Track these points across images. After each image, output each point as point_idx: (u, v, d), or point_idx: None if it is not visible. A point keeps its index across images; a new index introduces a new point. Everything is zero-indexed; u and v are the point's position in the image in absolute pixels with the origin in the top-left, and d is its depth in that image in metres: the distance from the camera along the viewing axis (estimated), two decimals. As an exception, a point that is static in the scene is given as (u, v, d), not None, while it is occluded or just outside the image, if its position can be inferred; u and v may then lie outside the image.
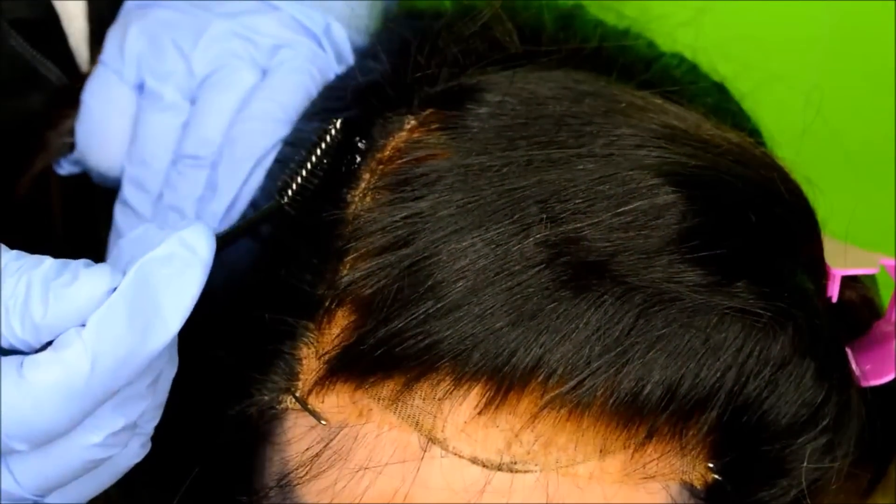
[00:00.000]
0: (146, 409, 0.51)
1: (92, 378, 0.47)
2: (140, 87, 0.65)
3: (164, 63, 0.64)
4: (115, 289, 0.48)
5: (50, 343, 0.48)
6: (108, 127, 0.65)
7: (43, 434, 0.48)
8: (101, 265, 0.49)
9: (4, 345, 0.49)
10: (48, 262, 0.49)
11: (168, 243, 0.49)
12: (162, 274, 0.49)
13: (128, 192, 0.64)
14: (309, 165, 0.58)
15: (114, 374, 0.48)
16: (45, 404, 0.47)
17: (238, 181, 0.62)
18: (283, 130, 0.62)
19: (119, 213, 0.65)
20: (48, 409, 0.47)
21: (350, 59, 0.65)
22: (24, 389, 0.47)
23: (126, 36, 0.65)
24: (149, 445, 0.53)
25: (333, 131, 0.59)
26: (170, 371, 0.52)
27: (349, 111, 0.62)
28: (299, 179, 0.58)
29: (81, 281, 0.48)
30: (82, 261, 0.49)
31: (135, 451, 0.52)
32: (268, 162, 0.62)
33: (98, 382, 0.48)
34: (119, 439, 0.51)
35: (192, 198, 0.62)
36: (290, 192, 0.58)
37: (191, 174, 0.62)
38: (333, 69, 0.64)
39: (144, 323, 0.48)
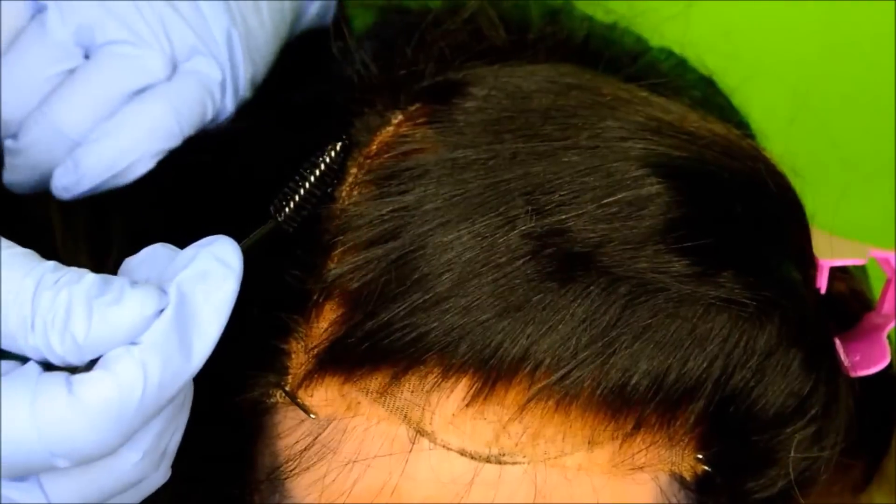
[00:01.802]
0: (176, 429, 0.51)
1: (144, 396, 0.47)
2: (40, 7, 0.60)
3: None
4: (161, 310, 0.48)
5: (91, 362, 0.48)
6: None
7: (89, 453, 0.47)
8: (147, 285, 0.48)
9: (35, 357, 0.48)
10: (89, 277, 0.48)
11: (201, 259, 0.49)
12: (200, 290, 0.49)
13: None
14: (307, 185, 0.58)
15: (162, 393, 0.48)
16: (98, 422, 0.47)
17: (108, 170, 0.59)
18: (173, 142, 0.59)
19: None
20: (100, 428, 0.47)
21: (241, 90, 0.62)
22: (76, 406, 0.46)
23: None
24: (169, 473, 0.52)
25: (333, 153, 0.58)
26: (191, 390, 0.52)
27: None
28: (297, 198, 0.58)
29: (128, 302, 0.48)
30: (125, 279, 0.49)
31: (161, 473, 0.52)
32: (146, 166, 0.59)
33: (149, 401, 0.47)
34: (154, 461, 0.50)
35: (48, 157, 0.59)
36: (286, 212, 0.57)
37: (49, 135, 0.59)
38: (228, 107, 0.61)
39: (188, 339, 0.48)
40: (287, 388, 0.56)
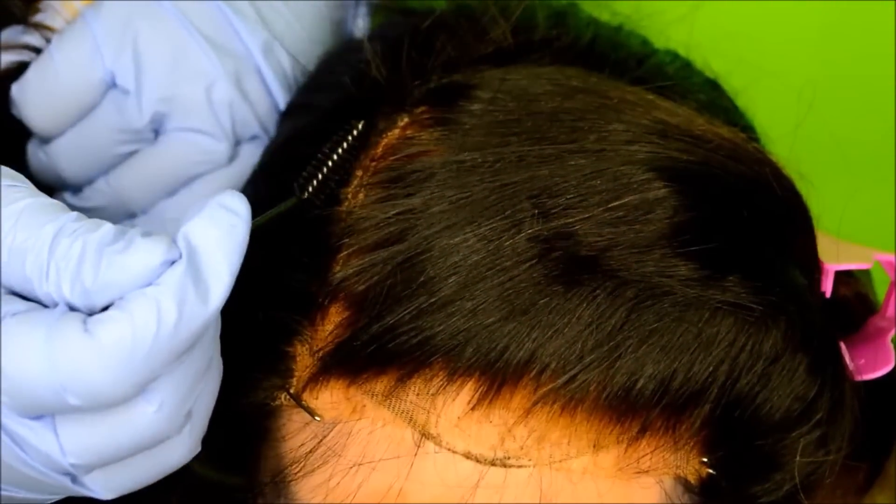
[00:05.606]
0: (202, 393, 0.51)
1: (158, 336, 0.47)
2: (112, 84, 0.63)
3: (163, 80, 0.63)
4: (171, 261, 0.48)
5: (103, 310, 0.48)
6: (62, 96, 0.64)
7: (101, 393, 0.47)
8: (160, 235, 0.48)
9: (49, 304, 0.48)
10: (106, 227, 0.48)
11: (209, 209, 0.49)
12: (211, 236, 0.48)
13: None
14: (331, 163, 0.58)
15: (178, 334, 0.47)
16: (110, 360, 0.46)
17: None
18: None
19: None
20: (113, 366, 0.46)
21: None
22: (90, 343, 0.46)
23: (137, 34, 0.63)
24: (199, 448, 0.52)
25: (356, 132, 0.59)
26: (217, 369, 0.52)
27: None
28: (320, 176, 0.58)
29: (136, 249, 0.47)
30: (139, 229, 0.49)
31: (186, 447, 0.51)
32: None
33: (164, 341, 0.47)
34: (175, 420, 0.49)
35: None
36: (310, 188, 0.58)
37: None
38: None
39: (204, 283, 0.48)
40: (292, 391, 0.56)
